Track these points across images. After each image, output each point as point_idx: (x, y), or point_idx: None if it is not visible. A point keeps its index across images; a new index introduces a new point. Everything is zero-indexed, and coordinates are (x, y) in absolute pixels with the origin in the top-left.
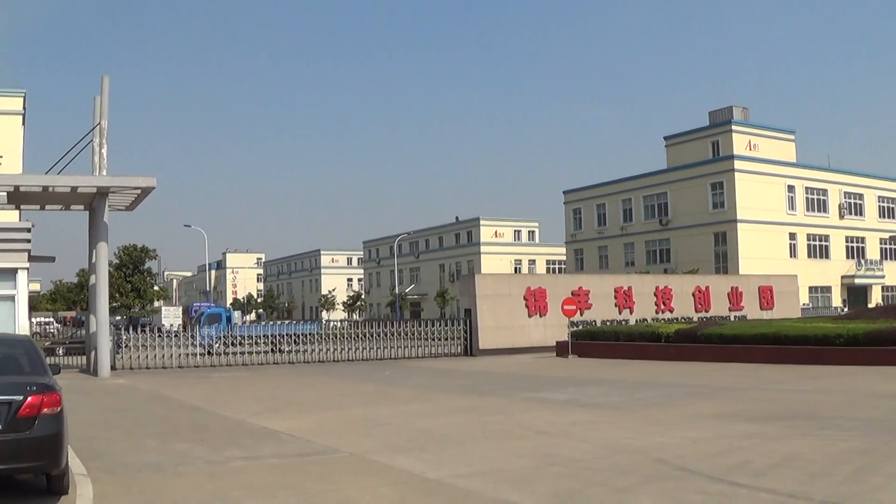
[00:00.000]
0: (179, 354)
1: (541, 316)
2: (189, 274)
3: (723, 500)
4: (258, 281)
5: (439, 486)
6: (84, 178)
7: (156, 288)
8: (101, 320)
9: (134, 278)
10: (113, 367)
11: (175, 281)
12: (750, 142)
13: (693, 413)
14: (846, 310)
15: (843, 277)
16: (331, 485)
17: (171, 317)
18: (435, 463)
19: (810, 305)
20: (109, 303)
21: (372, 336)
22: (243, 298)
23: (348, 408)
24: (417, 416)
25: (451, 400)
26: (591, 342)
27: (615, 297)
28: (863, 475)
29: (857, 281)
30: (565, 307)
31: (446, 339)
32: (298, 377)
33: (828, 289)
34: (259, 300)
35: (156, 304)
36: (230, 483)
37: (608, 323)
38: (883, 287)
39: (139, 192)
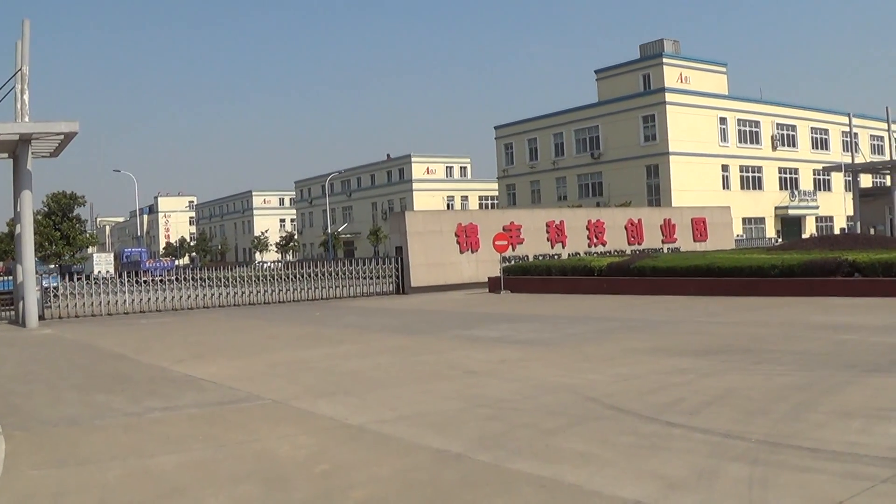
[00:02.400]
0: (108, 301)
1: (473, 252)
2: (122, 219)
3: (655, 442)
4: (191, 224)
5: (361, 433)
6: (4, 125)
7: (86, 235)
8: (28, 270)
9: (63, 226)
10: (42, 318)
11: (108, 227)
12: (681, 74)
13: (626, 348)
14: (780, 241)
15: (776, 209)
16: (249, 434)
17: (102, 263)
18: (359, 407)
19: (744, 237)
20: (40, 252)
21: (303, 277)
22: (176, 242)
23: (275, 351)
24: (345, 358)
25: (380, 340)
26: (523, 277)
27: (547, 232)
28: (802, 412)
29: (790, 212)
30: (497, 243)
31: (378, 278)
32: (227, 321)
33: (761, 220)
34: (192, 244)
35: (89, 251)
36: (146, 436)
37: (540, 258)
38: (816, 218)
39: (62, 137)
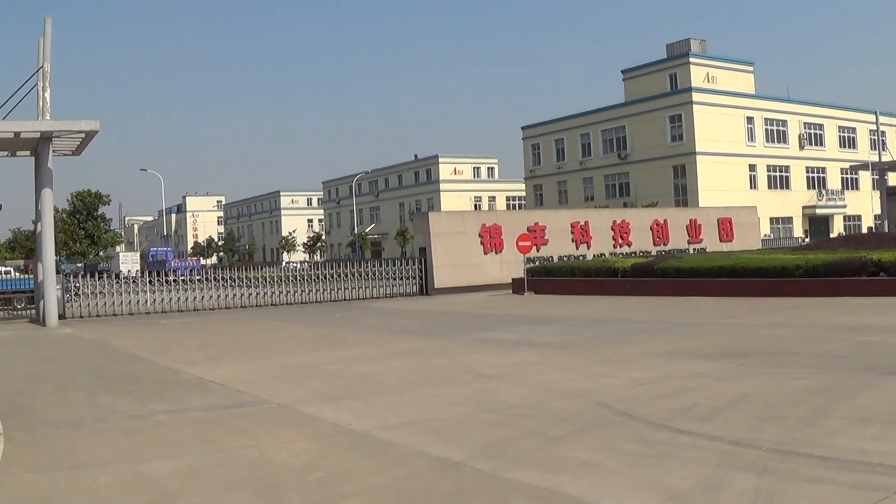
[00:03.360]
0: (130, 301)
1: (497, 253)
2: (150, 218)
3: (663, 450)
4: (219, 224)
5: (362, 440)
6: (25, 123)
7: (111, 233)
8: (48, 268)
9: (88, 224)
10: (62, 316)
11: (136, 226)
12: (708, 74)
13: (644, 351)
14: (807, 240)
15: (804, 208)
16: (249, 440)
17: (128, 262)
18: (365, 413)
19: (771, 236)
20: (65, 250)
21: (327, 277)
22: (204, 242)
23: (290, 353)
24: (359, 361)
25: (397, 342)
26: (547, 279)
27: (572, 233)
28: (817, 418)
29: (818, 211)
30: (520, 243)
31: (402, 279)
32: (247, 322)
33: (789, 220)
34: (220, 243)
35: (116, 249)
36: (145, 440)
37: (565, 259)
38: (844, 217)
39: (84, 135)
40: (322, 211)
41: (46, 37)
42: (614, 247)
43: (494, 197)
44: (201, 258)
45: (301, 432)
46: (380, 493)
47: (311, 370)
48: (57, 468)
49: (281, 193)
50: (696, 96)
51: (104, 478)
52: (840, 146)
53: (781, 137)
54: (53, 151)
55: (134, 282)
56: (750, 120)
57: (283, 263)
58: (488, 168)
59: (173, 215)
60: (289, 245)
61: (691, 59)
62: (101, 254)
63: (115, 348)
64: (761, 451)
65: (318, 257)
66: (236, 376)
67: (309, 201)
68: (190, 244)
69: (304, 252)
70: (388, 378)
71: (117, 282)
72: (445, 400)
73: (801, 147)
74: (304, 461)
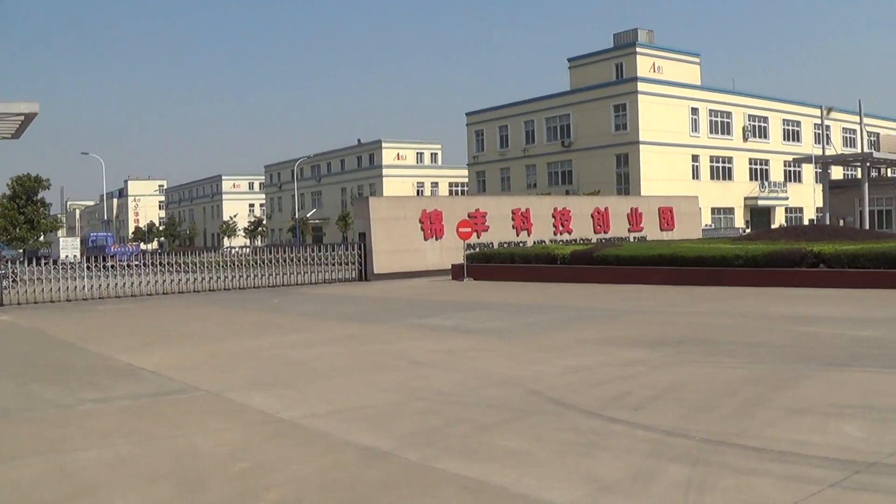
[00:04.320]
0: (68, 287)
1: (437, 239)
2: (92, 203)
3: (594, 440)
4: (160, 209)
5: (290, 428)
6: None
7: (51, 218)
8: None
9: (28, 209)
10: (0, 304)
11: (78, 211)
12: (654, 64)
13: (579, 338)
14: (748, 231)
15: (746, 199)
16: (176, 429)
17: (69, 248)
18: (295, 400)
19: (712, 226)
20: (4, 236)
21: (266, 263)
22: (145, 227)
23: (224, 340)
24: (292, 348)
25: (332, 329)
26: (486, 265)
27: (513, 219)
28: (752, 408)
29: (760, 203)
30: (460, 230)
31: (342, 265)
32: (184, 308)
33: (730, 210)
34: (161, 228)
35: (58, 235)
36: (73, 429)
37: (505, 245)
38: (786, 209)
39: (23, 118)
40: (264, 195)
41: None
42: (555, 234)
43: (437, 183)
44: (142, 243)
45: (229, 421)
46: (304, 484)
47: (243, 357)
48: None
49: (223, 177)
50: (641, 86)
51: (27, 470)
52: (784, 139)
53: (725, 129)
54: None
55: (72, 268)
56: (694, 111)
57: (224, 248)
58: (431, 154)
59: (115, 200)
60: (230, 230)
61: (638, 49)
62: (41, 239)
63: (49, 335)
64: (694, 441)
65: (258, 242)
66: (168, 363)
67: (251, 185)
68: (131, 229)
69: (244, 237)
70: (321, 365)
71: (55, 268)
72: (377, 387)
73: (745, 139)
74: (229, 451)
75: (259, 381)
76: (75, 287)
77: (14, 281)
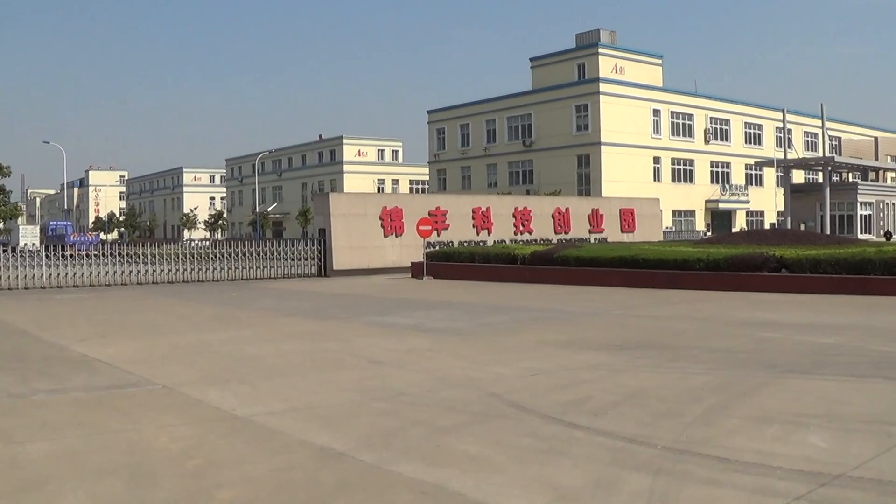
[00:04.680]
0: (25, 275)
1: (397, 236)
2: (53, 192)
3: (554, 445)
4: (121, 199)
5: (245, 426)
6: None
7: (9, 206)
8: None
9: None
10: None
11: (38, 199)
12: (616, 65)
13: (539, 340)
14: (709, 234)
15: (707, 202)
16: (129, 423)
17: (28, 236)
18: (250, 397)
19: (673, 229)
20: None
21: (226, 256)
22: (106, 217)
23: (181, 333)
24: (250, 343)
25: (290, 324)
26: (446, 263)
27: (473, 218)
28: (715, 416)
29: (721, 206)
30: (420, 227)
31: (301, 260)
32: (142, 299)
33: (692, 213)
34: (121, 219)
35: (17, 222)
36: (24, 420)
37: (465, 244)
38: (747, 212)
39: None
40: (225, 189)
41: None
42: (515, 234)
43: (398, 180)
44: (102, 233)
45: (183, 416)
46: (257, 484)
47: (200, 351)
48: None
49: (184, 170)
50: (603, 87)
51: None
52: (746, 142)
53: (687, 131)
54: None
55: (31, 256)
56: (656, 112)
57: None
58: (392, 151)
59: (76, 189)
60: (190, 222)
61: (600, 50)
62: (0, 226)
63: (4, 323)
64: (656, 449)
65: (219, 235)
66: (124, 355)
67: (212, 178)
68: (91, 219)
69: (205, 230)
70: (278, 361)
71: (13, 255)
72: (334, 385)
73: (707, 141)
74: (182, 447)
75: (215, 376)
76: (33, 275)
77: None
